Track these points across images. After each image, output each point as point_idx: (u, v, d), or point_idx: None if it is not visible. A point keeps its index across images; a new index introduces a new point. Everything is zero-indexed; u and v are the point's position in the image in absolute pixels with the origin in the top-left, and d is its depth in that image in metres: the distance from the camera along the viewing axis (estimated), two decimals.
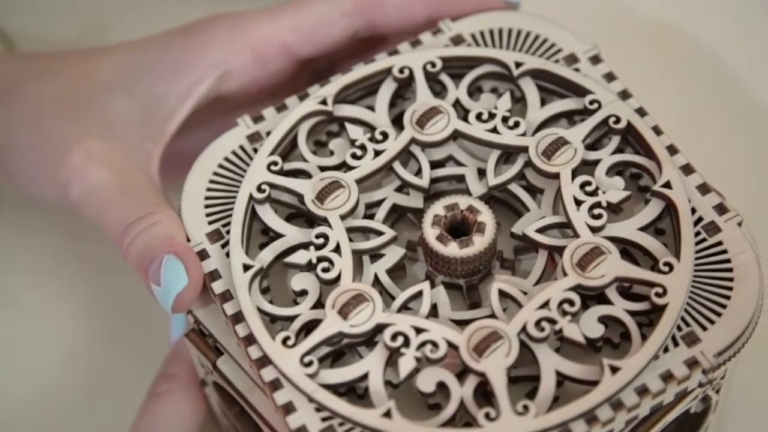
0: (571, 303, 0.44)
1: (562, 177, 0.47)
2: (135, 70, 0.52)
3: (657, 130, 0.48)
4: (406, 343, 0.44)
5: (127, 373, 0.57)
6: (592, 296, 0.45)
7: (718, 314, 0.44)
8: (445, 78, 0.50)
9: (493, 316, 0.45)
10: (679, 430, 0.50)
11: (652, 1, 0.65)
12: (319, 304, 0.45)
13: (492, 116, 0.48)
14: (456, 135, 0.48)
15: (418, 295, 0.45)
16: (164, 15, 0.60)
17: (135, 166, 0.50)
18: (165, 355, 0.53)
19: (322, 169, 0.48)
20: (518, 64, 0.49)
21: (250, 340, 0.45)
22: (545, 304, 0.44)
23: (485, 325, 0.44)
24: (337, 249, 0.46)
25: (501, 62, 0.50)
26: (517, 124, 0.48)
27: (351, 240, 0.46)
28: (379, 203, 0.48)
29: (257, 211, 0.47)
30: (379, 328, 0.44)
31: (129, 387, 0.55)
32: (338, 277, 0.45)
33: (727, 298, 0.44)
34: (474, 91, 0.50)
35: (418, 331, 0.44)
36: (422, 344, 0.44)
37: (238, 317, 0.45)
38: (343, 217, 0.47)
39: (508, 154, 0.48)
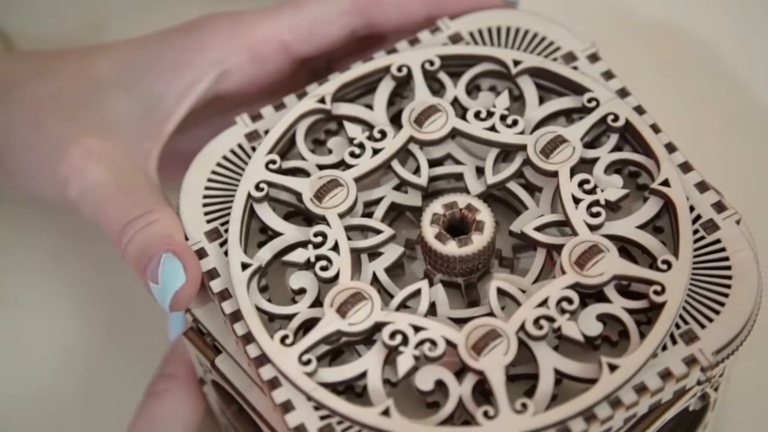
0: (570, 301, 0.44)
1: (561, 175, 0.47)
2: (133, 68, 0.52)
3: (655, 128, 0.48)
4: (405, 341, 0.44)
5: (126, 372, 0.57)
6: (591, 294, 0.45)
7: (717, 312, 0.44)
8: (443, 76, 0.50)
9: (491, 314, 0.45)
10: (677, 427, 0.50)
11: (652, 0, 0.65)
12: (317, 303, 0.45)
13: (490, 114, 0.48)
14: (454, 133, 0.48)
15: (417, 293, 0.45)
16: (163, 14, 0.60)
17: (133, 165, 0.50)
18: (163, 354, 0.53)
19: (321, 167, 0.48)
20: (516, 63, 0.49)
21: (248, 338, 0.45)
22: (544, 303, 0.44)
23: (484, 324, 0.44)
24: (335, 247, 0.46)
25: (499, 60, 0.50)
26: (515, 123, 0.48)
27: (349, 238, 0.46)
28: (377, 202, 0.48)
29: (256, 210, 0.47)
30: (378, 327, 0.44)
31: (127, 386, 0.55)
32: (337, 276, 0.45)
33: (726, 296, 0.44)
34: (472, 89, 0.50)
35: (417, 329, 0.44)
36: (421, 342, 0.44)
37: (236, 316, 0.45)
38: (341, 216, 0.47)
39: (507, 153, 0.48)
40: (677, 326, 0.44)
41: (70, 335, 0.59)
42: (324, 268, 0.45)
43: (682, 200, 0.46)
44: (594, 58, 0.50)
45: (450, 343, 0.43)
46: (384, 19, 0.52)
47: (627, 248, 0.46)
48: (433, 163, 0.49)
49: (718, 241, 0.45)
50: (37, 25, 0.65)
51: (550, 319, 0.44)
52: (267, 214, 0.47)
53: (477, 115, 0.48)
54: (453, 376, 0.43)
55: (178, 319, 0.51)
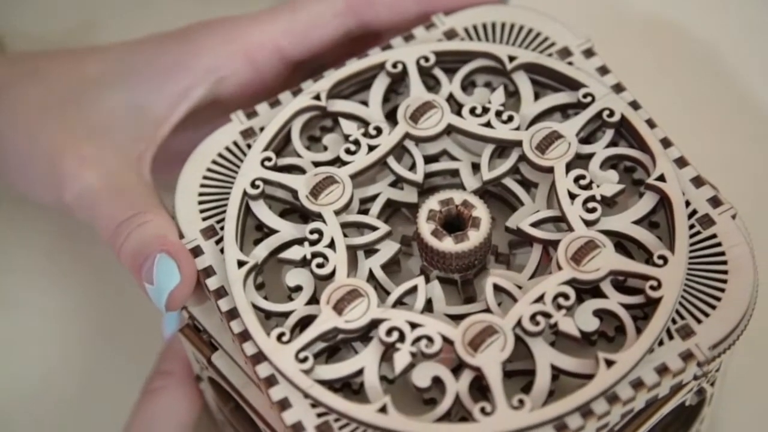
0: (566, 297, 0.44)
1: (556, 171, 0.47)
2: (127, 69, 0.52)
3: (651, 123, 0.48)
4: (401, 338, 0.44)
5: (122, 370, 0.57)
6: (587, 290, 0.45)
7: (713, 307, 0.44)
8: (438, 72, 0.50)
9: (488, 310, 0.45)
10: (674, 422, 0.50)
11: None
12: (313, 300, 0.45)
13: (486, 110, 0.48)
14: (450, 129, 0.48)
15: (413, 290, 0.45)
16: (157, 15, 0.60)
17: (126, 167, 0.50)
18: (159, 351, 0.53)
19: (316, 164, 0.48)
20: (512, 58, 0.49)
21: (245, 336, 0.45)
22: (540, 298, 0.44)
23: (480, 320, 0.44)
24: (331, 244, 0.46)
25: (494, 56, 0.50)
26: (510, 118, 0.48)
27: (345, 235, 0.46)
28: (373, 198, 0.48)
29: (251, 207, 0.47)
30: (374, 324, 0.44)
31: (124, 383, 0.55)
32: (333, 273, 0.45)
33: (722, 290, 0.44)
34: (467, 85, 0.50)
35: (413, 326, 0.44)
36: (417, 339, 0.44)
37: (232, 313, 0.45)
38: (337, 213, 0.46)
39: (502, 149, 0.48)
40: (673, 321, 0.44)
41: (67, 334, 0.59)
42: (320, 266, 0.45)
43: (678, 195, 0.46)
44: (589, 53, 0.50)
45: (447, 340, 0.43)
46: (377, 18, 0.52)
47: (623, 243, 0.46)
48: (429, 160, 0.49)
49: (714, 236, 0.46)
50: (29, 25, 0.65)
51: (547, 315, 0.44)
52: (263, 212, 0.47)
53: (472, 111, 0.48)
54: (450, 373, 0.43)
55: (172, 317, 0.51)
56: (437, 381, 0.43)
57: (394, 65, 0.50)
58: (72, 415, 0.57)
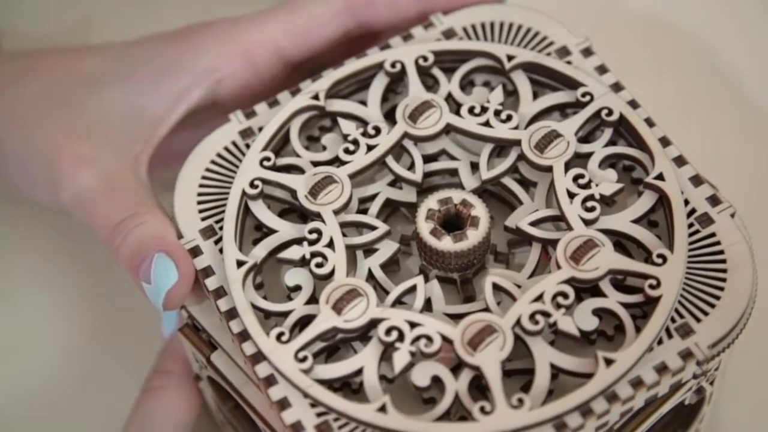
0: (565, 296, 0.44)
1: (555, 170, 0.47)
2: (125, 69, 0.52)
3: (649, 122, 0.48)
4: (401, 337, 0.44)
5: (121, 369, 0.57)
6: (586, 289, 0.45)
7: (712, 306, 0.44)
8: (437, 72, 0.50)
9: (487, 309, 0.45)
10: (673, 421, 0.50)
11: None
12: (313, 300, 0.45)
13: (484, 110, 0.48)
14: (449, 129, 0.48)
15: (412, 289, 0.45)
16: (157, 16, 0.60)
17: (123, 168, 0.50)
18: (158, 351, 0.53)
19: (315, 164, 0.48)
20: (510, 58, 0.49)
21: (244, 336, 0.45)
22: (539, 297, 0.44)
23: (479, 319, 0.44)
24: (330, 244, 0.46)
25: (493, 56, 0.50)
26: (509, 118, 0.48)
27: (344, 235, 0.46)
28: (372, 198, 0.48)
29: (250, 207, 0.47)
30: (374, 323, 0.44)
31: (123, 383, 0.55)
32: (332, 272, 0.45)
33: (721, 289, 0.44)
34: (466, 84, 0.50)
35: (413, 325, 0.44)
36: (417, 338, 0.44)
37: (232, 313, 0.45)
38: (336, 212, 0.46)
39: (501, 148, 0.48)
40: (673, 320, 0.44)
41: (66, 334, 0.59)
42: (319, 265, 0.45)
43: (677, 194, 0.46)
44: (587, 52, 0.50)
45: (446, 339, 0.43)
46: (376, 18, 0.52)
47: (622, 242, 0.46)
48: (428, 159, 0.49)
49: (713, 234, 0.46)
50: (28, 24, 0.65)
51: (546, 314, 0.44)
52: (262, 212, 0.47)
53: (471, 110, 0.48)
54: (449, 372, 0.43)
55: (171, 317, 0.51)
56: (436, 380, 0.43)
57: (393, 65, 0.50)
58: (71, 414, 0.57)
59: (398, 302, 0.45)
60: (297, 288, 0.46)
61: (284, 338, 0.44)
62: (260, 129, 0.49)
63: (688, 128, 0.54)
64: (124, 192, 0.49)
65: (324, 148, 0.49)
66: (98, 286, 0.59)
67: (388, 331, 0.44)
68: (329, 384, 0.44)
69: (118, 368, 0.57)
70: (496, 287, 0.45)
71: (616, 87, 0.49)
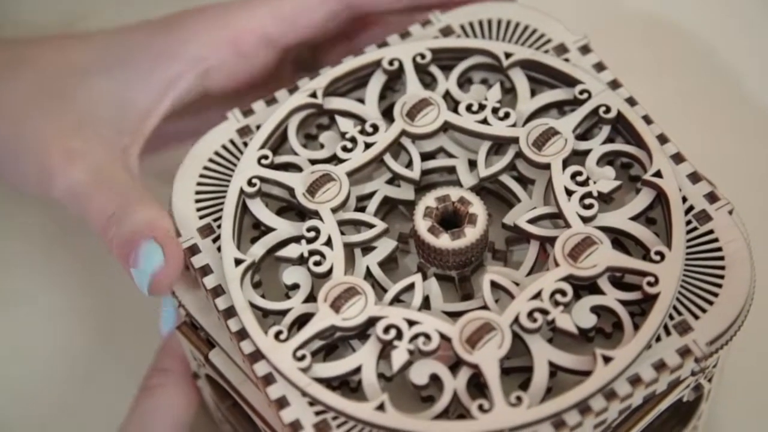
0: (563, 293, 0.44)
1: (553, 167, 0.47)
2: (113, 58, 0.52)
3: (647, 119, 0.48)
4: (399, 335, 0.44)
5: (120, 368, 0.57)
6: (584, 286, 0.45)
7: (710, 303, 0.44)
8: (434, 69, 0.50)
9: (485, 307, 0.45)
10: (671, 418, 0.50)
11: None
12: (311, 298, 0.45)
13: (482, 107, 0.48)
14: (446, 126, 0.48)
15: (411, 287, 0.45)
16: (149, 4, 0.60)
17: (113, 160, 0.50)
18: (157, 349, 0.53)
19: (313, 162, 0.48)
20: (508, 55, 0.49)
21: (242, 334, 0.45)
22: (537, 295, 0.44)
23: (478, 317, 0.44)
24: (328, 242, 0.46)
25: (491, 53, 0.50)
26: (507, 115, 0.48)
27: (342, 233, 0.46)
28: (370, 196, 0.48)
29: (248, 206, 0.47)
30: (372, 321, 0.44)
31: (121, 381, 0.55)
32: (330, 271, 0.45)
33: (719, 286, 0.45)
34: (464, 82, 0.50)
35: (411, 323, 0.44)
36: (415, 337, 0.44)
37: (230, 312, 0.45)
38: (334, 210, 0.46)
39: (499, 145, 0.48)
40: (671, 317, 0.44)
41: (65, 332, 0.59)
42: (317, 263, 0.45)
43: (675, 191, 0.46)
44: (585, 49, 0.50)
45: (444, 337, 0.43)
46: (365, 0, 0.52)
47: (620, 240, 0.46)
48: (426, 157, 0.49)
49: (710, 231, 0.46)
50: (22, 13, 0.65)
51: (544, 312, 0.44)
52: (260, 210, 0.47)
53: (469, 108, 0.48)
54: (447, 370, 0.43)
55: (169, 314, 0.51)
56: (435, 378, 0.43)
57: (391, 62, 0.50)
58: (69, 412, 0.57)
59: (396, 300, 0.45)
60: (295, 286, 0.46)
61: (282, 337, 0.44)
62: (258, 127, 0.49)
63: (687, 127, 0.54)
64: (115, 184, 0.49)
65: (322, 146, 0.49)
66: (98, 286, 0.59)
67: (387, 330, 0.44)
68: (327, 382, 0.44)
69: (118, 367, 0.57)
70: (494, 285, 0.45)
71: (614, 84, 0.49)
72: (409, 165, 0.48)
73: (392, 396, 0.43)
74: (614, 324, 0.45)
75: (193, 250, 0.47)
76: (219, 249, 0.46)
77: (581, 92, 0.48)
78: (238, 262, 0.46)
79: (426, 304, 0.46)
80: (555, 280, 0.44)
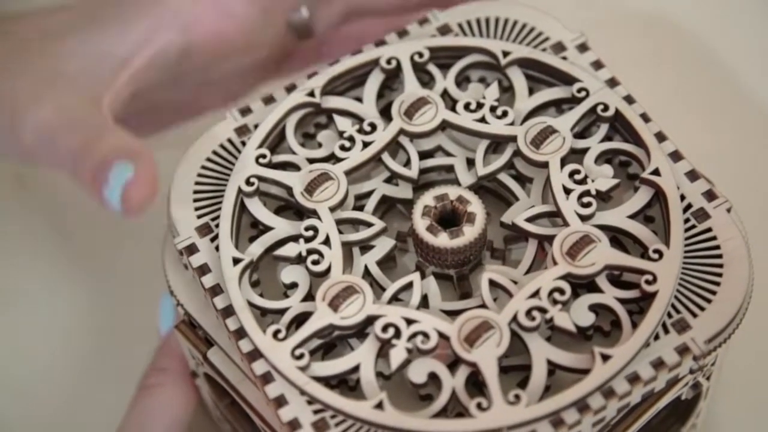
0: (562, 292, 0.44)
1: (551, 166, 0.47)
2: (91, 18, 0.52)
3: (645, 117, 0.48)
4: (397, 334, 0.44)
5: (118, 367, 0.57)
6: (583, 285, 0.45)
7: (708, 301, 0.44)
8: (432, 68, 0.50)
9: (483, 306, 0.45)
10: (670, 416, 0.50)
11: None
12: (309, 297, 0.45)
13: (480, 106, 0.48)
14: (444, 125, 0.48)
15: (409, 286, 0.45)
16: None
17: (83, 103, 0.50)
18: (155, 348, 0.53)
19: (311, 161, 0.48)
20: (506, 53, 0.49)
21: (240, 333, 0.45)
22: (536, 293, 0.44)
23: (476, 315, 0.44)
24: (326, 241, 0.46)
25: (488, 51, 0.50)
26: (505, 114, 0.48)
27: (340, 232, 0.46)
28: (368, 195, 0.48)
29: (246, 205, 0.47)
30: (370, 320, 0.44)
31: (120, 380, 0.55)
32: (328, 270, 0.45)
33: (717, 284, 0.45)
34: (462, 80, 0.50)
35: (409, 322, 0.44)
36: (413, 335, 0.44)
37: (228, 311, 0.45)
38: (332, 209, 0.46)
39: (497, 144, 0.48)
40: (669, 315, 0.44)
41: (63, 331, 0.59)
42: (315, 262, 0.45)
43: (673, 189, 0.46)
44: (583, 48, 0.50)
45: (442, 336, 0.43)
46: None
47: (618, 238, 0.46)
48: (424, 156, 0.49)
49: (709, 229, 0.46)
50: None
51: (543, 310, 0.44)
52: (258, 209, 0.47)
53: (467, 106, 0.48)
54: (446, 369, 0.43)
55: (168, 313, 0.51)
56: (433, 377, 0.43)
57: (388, 61, 0.50)
58: (67, 411, 0.57)
59: (395, 299, 0.45)
60: (293, 285, 0.46)
61: (281, 336, 0.44)
62: (256, 126, 0.49)
63: (686, 125, 0.54)
64: (84, 121, 0.49)
65: (320, 145, 0.49)
66: (98, 286, 0.59)
67: (385, 328, 0.44)
68: (326, 381, 0.44)
69: (115, 365, 0.57)
70: (493, 283, 0.45)
71: (612, 82, 0.49)
72: (407, 164, 0.48)
73: (391, 394, 0.43)
74: (612, 322, 0.45)
75: (192, 249, 0.47)
76: (217, 248, 0.46)
77: (579, 90, 0.48)
78: (236, 261, 0.46)
79: (424, 302, 0.46)
80: (553, 278, 0.44)
